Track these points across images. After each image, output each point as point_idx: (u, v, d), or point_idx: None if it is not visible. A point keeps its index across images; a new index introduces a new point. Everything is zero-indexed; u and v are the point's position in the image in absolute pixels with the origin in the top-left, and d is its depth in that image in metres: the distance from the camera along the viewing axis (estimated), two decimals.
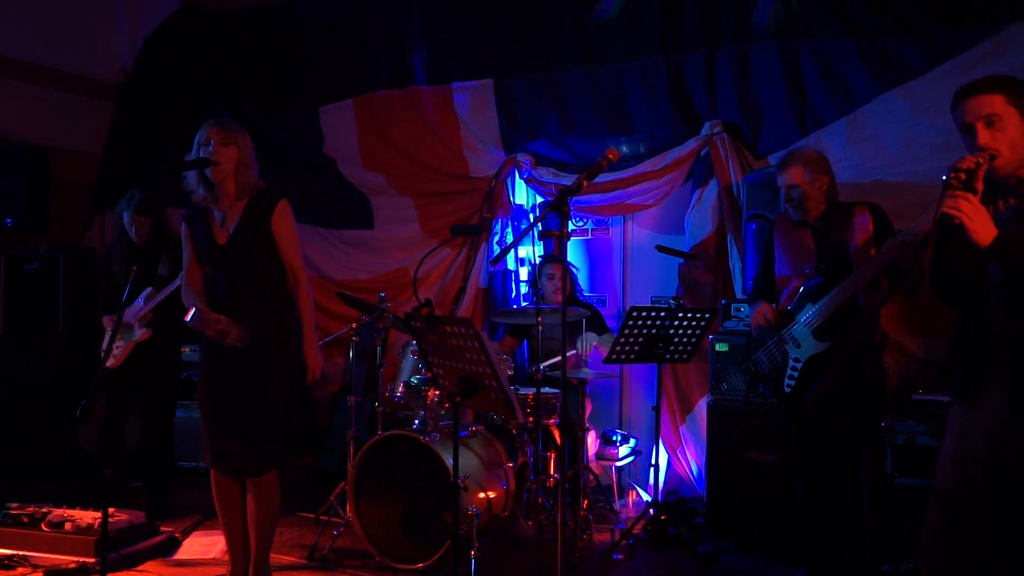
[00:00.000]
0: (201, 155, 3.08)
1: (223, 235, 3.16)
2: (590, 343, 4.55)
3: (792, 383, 3.33)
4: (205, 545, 4.04)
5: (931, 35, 4.10)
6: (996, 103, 2.20)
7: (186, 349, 5.03)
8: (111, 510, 3.90)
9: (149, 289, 4.32)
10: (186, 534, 4.17)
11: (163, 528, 4.11)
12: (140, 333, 4.37)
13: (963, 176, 2.12)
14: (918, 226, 2.64)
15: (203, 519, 4.39)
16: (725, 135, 4.75)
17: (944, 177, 2.14)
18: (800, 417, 3.39)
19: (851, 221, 3.31)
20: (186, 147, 3.20)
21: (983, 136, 2.21)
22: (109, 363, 4.30)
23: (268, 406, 3.14)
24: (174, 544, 4.02)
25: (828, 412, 3.23)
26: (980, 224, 2.10)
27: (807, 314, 3.31)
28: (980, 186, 2.16)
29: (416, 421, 4.06)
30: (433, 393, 4.01)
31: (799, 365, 3.31)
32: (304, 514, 4.54)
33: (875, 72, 4.29)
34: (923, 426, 3.54)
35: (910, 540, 3.40)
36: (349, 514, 3.88)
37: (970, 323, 2.31)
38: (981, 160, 2.15)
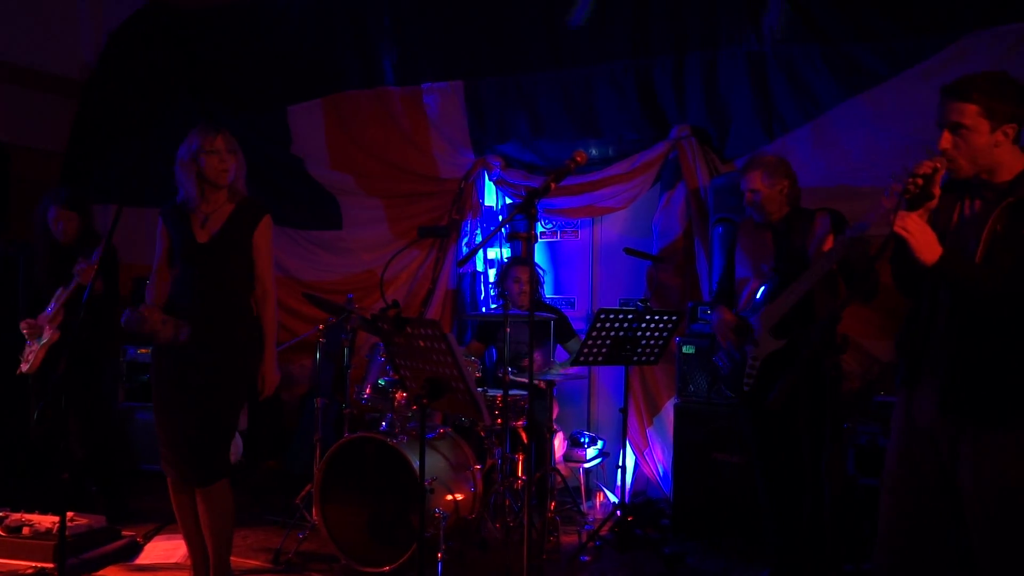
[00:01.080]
0: (200, 161, 3.08)
1: (204, 234, 3.14)
2: (558, 368, 4.56)
3: (750, 381, 3.37)
4: (167, 549, 3.98)
5: (894, 43, 4.17)
6: (968, 113, 2.21)
7: (147, 350, 4.95)
8: (71, 514, 3.84)
9: (60, 290, 4.21)
10: (148, 538, 4.09)
11: (124, 532, 4.04)
12: (48, 336, 4.19)
13: (920, 182, 2.17)
14: (866, 223, 2.69)
15: (165, 523, 4.31)
16: (693, 139, 4.79)
17: (903, 181, 2.18)
18: (759, 417, 3.43)
19: (812, 226, 3.37)
20: (151, 146, 3.17)
21: (944, 142, 2.24)
22: (24, 368, 4.21)
23: (219, 415, 3.09)
24: (135, 548, 3.96)
25: (788, 413, 3.27)
26: (925, 244, 2.17)
27: (763, 313, 3.35)
28: (937, 190, 2.20)
29: (383, 423, 4.04)
30: (401, 395, 3.98)
31: (756, 364, 3.36)
32: (269, 517, 4.49)
33: (840, 79, 4.35)
34: (884, 427, 3.60)
35: (872, 540, 3.45)
36: (315, 517, 3.84)
37: (920, 316, 2.35)
38: (938, 164, 2.20)
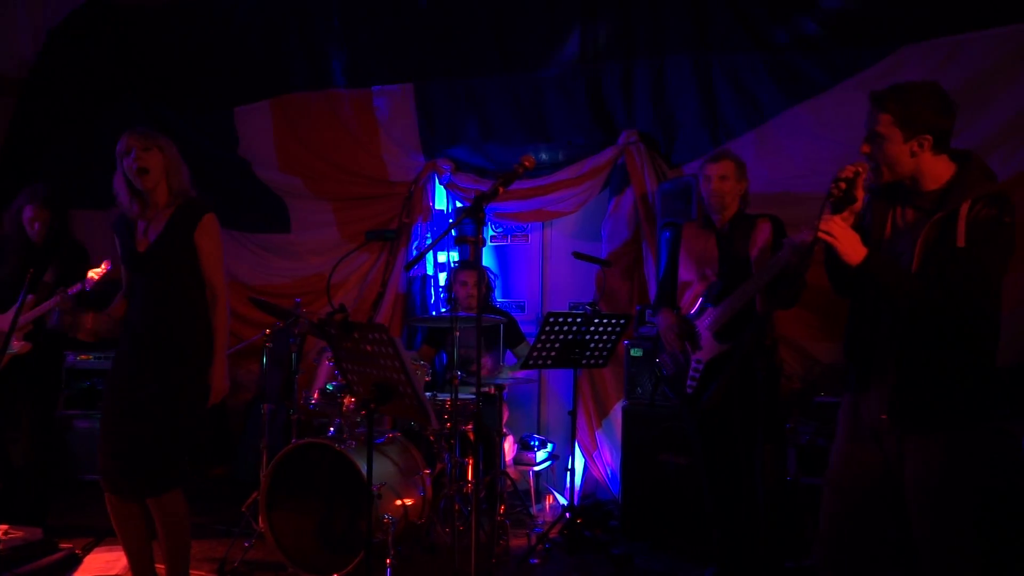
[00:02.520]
0: (123, 166, 3.00)
1: (144, 243, 3.07)
2: (507, 372, 4.58)
3: (693, 384, 3.44)
4: (108, 562, 3.88)
5: (833, 53, 4.29)
6: (883, 121, 2.30)
7: (88, 356, 4.83)
8: (5, 527, 3.73)
9: (27, 295, 4.06)
10: (87, 551, 3.99)
11: (62, 545, 3.93)
12: (18, 348, 4.04)
13: (843, 185, 2.25)
14: (805, 234, 2.78)
15: (104, 535, 4.20)
16: (641, 145, 4.86)
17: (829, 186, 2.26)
18: (700, 418, 3.50)
19: (753, 232, 3.45)
20: (92, 146, 3.10)
21: (864, 147, 2.35)
22: None
23: (172, 424, 3.01)
24: (74, 561, 3.85)
25: (727, 414, 3.34)
26: (848, 246, 2.25)
27: (708, 318, 3.42)
28: (860, 194, 2.28)
29: (331, 429, 4.00)
30: (349, 400, 3.96)
31: (700, 367, 3.42)
32: (215, 526, 4.41)
33: (782, 87, 4.46)
34: (825, 427, 3.69)
35: (813, 537, 3.53)
36: (261, 525, 3.79)
37: (865, 317, 2.42)
38: (860, 169, 2.29)
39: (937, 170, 2.32)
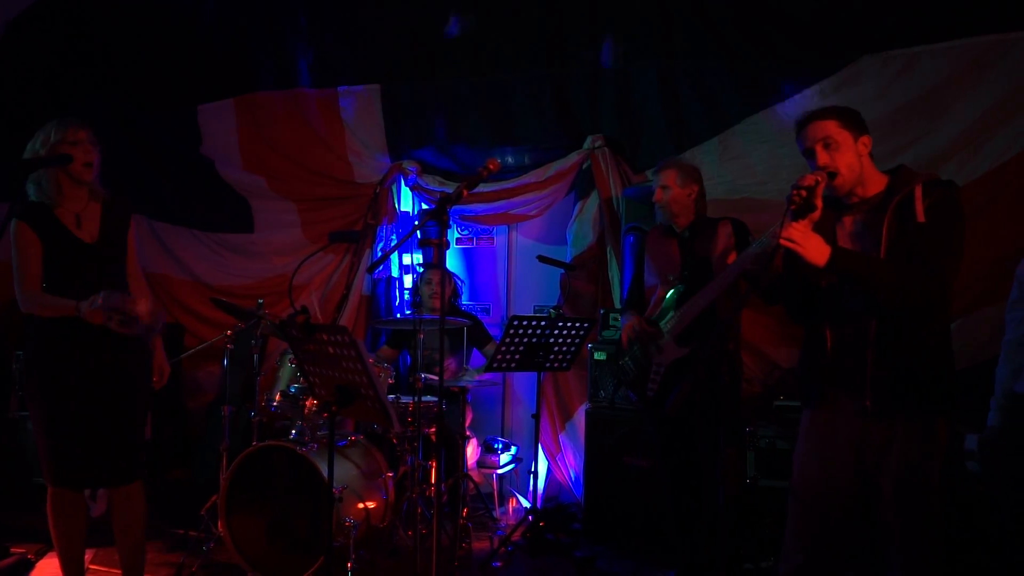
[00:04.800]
0: (65, 152, 2.95)
1: (86, 234, 3.04)
2: (471, 374, 4.58)
3: (654, 387, 3.47)
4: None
5: (794, 62, 4.35)
6: (830, 127, 2.42)
7: None
8: None
9: None
10: (39, 555, 3.90)
11: (13, 549, 3.84)
12: None
13: (804, 193, 2.29)
14: (768, 239, 2.83)
15: (47, 548, 4.12)
16: (606, 149, 4.89)
17: (788, 195, 2.31)
18: (662, 422, 3.53)
19: (715, 235, 3.50)
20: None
21: (822, 157, 2.42)
22: None
23: (135, 412, 3.11)
24: (26, 566, 3.77)
25: (689, 417, 3.38)
26: (812, 248, 2.30)
27: (670, 321, 3.45)
28: (819, 203, 2.33)
29: (293, 431, 3.96)
30: (311, 402, 3.93)
31: (661, 370, 3.46)
32: (173, 530, 4.34)
33: (745, 95, 4.52)
34: (784, 430, 3.75)
35: (771, 538, 3.58)
36: (220, 528, 3.74)
37: (823, 329, 2.47)
38: (820, 178, 2.34)
39: (876, 176, 2.48)
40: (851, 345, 2.42)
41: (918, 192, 2.35)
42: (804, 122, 2.48)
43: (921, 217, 2.32)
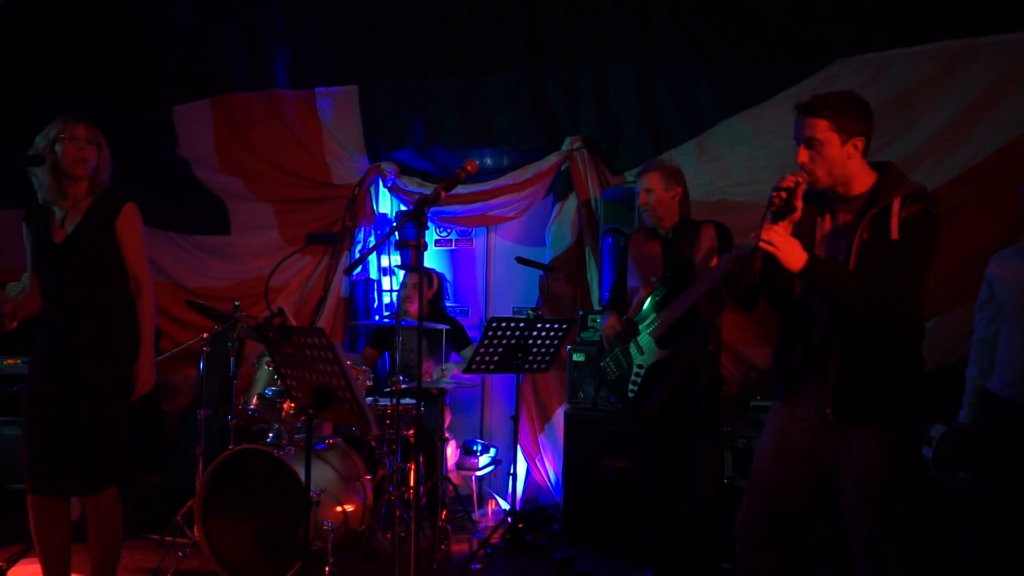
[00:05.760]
0: (58, 149, 2.95)
1: (61, 234, 3.00)
2: (450, 371, 4.57)
3: (635, 388, 3.48)
4: (34, 574, 3.74)
5: (770, 66, 4.40)
6: (819, 127, 2.37)
7: (15, 361, 4.66)
8: None
9: None
10: (11, 563, 3.83)
11: None
12: None
13: (784, 195, 2.30)
14: (750, 242, 2.85)
15: (31, 545, 4.06)
16: (585, 151, 4.90)
17: (768, 196, 2.31)
18: (643, 423, 3.55)
19: (698, 237, 3.52)
20: (24, 143, 3.02)
21: (802, 155, 2.41)
22: None
23: (105, 417, 2.96)
24: None
25: (669, 418, 3.39)
26: (789, 253, 2.30)
27: (652, 323, 3.47)
28: (799, 203, 2.34)
29: (270, 435, 3.93)
30: (288, 405, 3.90)
31: (642, 371, 3.47)
32: (149, 535, 4.29)
33: (722, 98, 4.55)
34: (760, 431, 3.76)
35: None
36: (196, 533, 3.70)
37: (795, 331, 2.49)
38: (800, 179, 2.35)
39: (864, 174, 2.43)
40: (817, 352, 2.44)
41: (895, 206, 2.32)
42: (799, 111, 2.42)
43: (895, 234, 2.30)
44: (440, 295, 5.03)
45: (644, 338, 3.49)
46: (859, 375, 2.36)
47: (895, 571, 2.36)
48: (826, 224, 2.49)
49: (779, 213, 2.36)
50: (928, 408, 3.58)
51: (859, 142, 2.39)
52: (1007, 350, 2.83)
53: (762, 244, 2.29)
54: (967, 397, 2.99)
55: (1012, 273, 2.85)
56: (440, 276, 5.12)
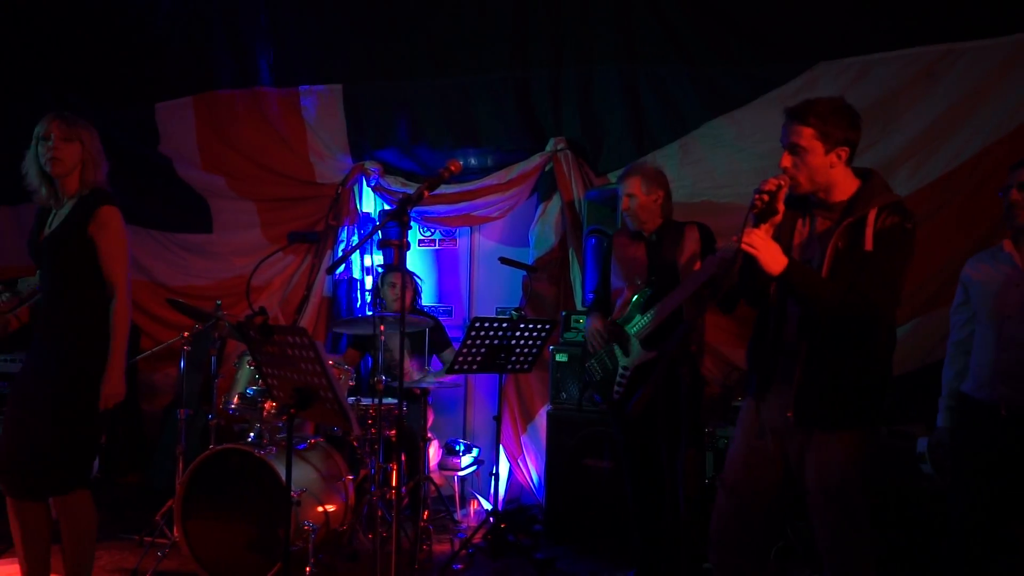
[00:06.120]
0: (40, 150, 2.93)
1: (47, 232, 2.99)
2: (433, 376, 4.57)
3: (620, 390, 3.49)
4: (9, 575, 3.70)
5: (752, 69, 4.42)
6: (804, 135, 2.39)
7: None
8: None
9: None
10: None
11: None
12: None
13: (766, 198, 2.32)
14: (732, 245, 2.87)
15: (7, 547, 4.02)
16: (569, 152, 4.91)
17: (751, 198, 2.33)
18: (626, 423, 3.56)
19: (682, 239, 3.53)
20: (5, 138, 3.01)
21: (785, 160, 2.43)
22: None
23: (69, 422, 2.88)
24: None
25: (652, 419, 3.41)
26: (769, 257, 2.32)
27: (636, 324, 3.48)
28: (781, 206, 2.36)
29: (252, 434, 3.92)
30: (270, 405, 3.88)
31: (627, 372, 3.48)
32: (127, 535, 4.25)
33: (704, 100, 4.57)
34: None
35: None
36: (176, 534, 3.68)
37: (767, 331, 2.52)
38: (782, 183, 2.37)
39: (846, 182, 2.45)
40: (787, 353, 2.46)
41: (871, 217, 2.34)
42: (787, 115, 2.43)
43: (869, 245, 2.32)
44: (415, 296, 5.03)
45: (631, 339, 3.50)
46: (824, 380, 2.39)
47: (858, 571, 2.39)
48: (806, 229, 2.51)
49: (761, 215, 2.38)
50: (908, 408, 3.65)
51: (843, 152, 2.40)
52: (980, 352, 2.87)
53: (744, 246, 2.31)
54: (944, 400, 3.03)
55: (987, 276, 2.89)
56: (414, 276, 5.11)
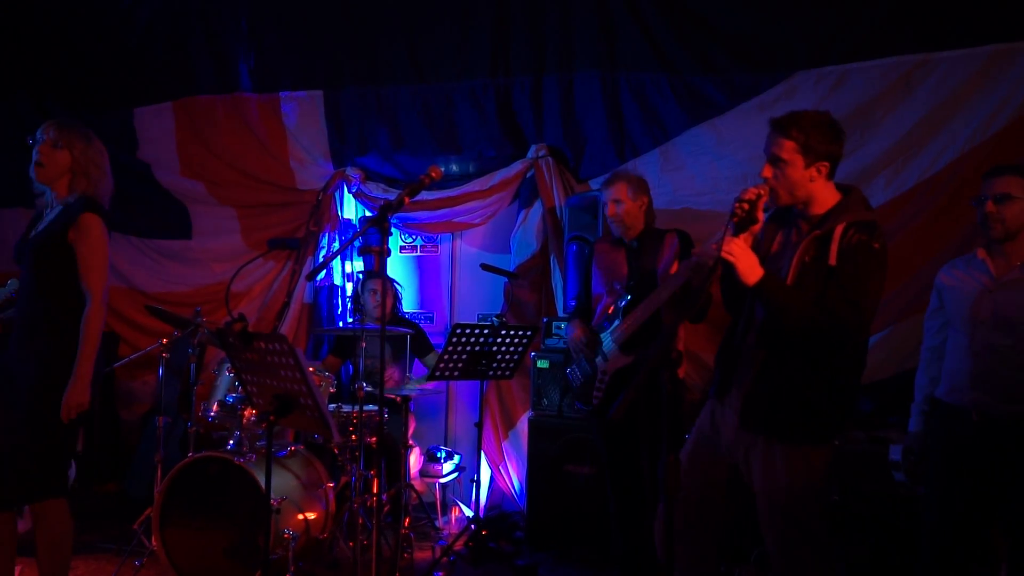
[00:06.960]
0: (34, 153, 2.95)
1: (30, 235, 3.00)
2: (417, 382, 4.56)
3: (599, 395, 3.50)
4: None
5: (732, 77, 4.46)
6: (785, 147, 2.41)
7: None
8: None
9: None
10: None
11: None
12: None
13: (746, 207, 2.35)
14: (708, 249, 2.89)
15: None
16: (550, 159, 4.92)
17: (731, 207, 2.36)
18: (607, 429, 3.57)
19: (661, 245, 3.55)
20: None
21: (766, 171, 2.45)
22: None
23: (43, 425, 2.84)
24: None
25: (633, 425, 3.42)
26: (747, 266, 2.35)
27: (615, 330, 3.49)
28: (761, 215, 2.39)
29: (231, 442, 3.88)
30: (249, 412, 3.86)
31: (606, 378, 3.49)
32: (104, 544, 4.21)
33: (685, 107, 4.60)
34: None
35: None
36: (154, 543, 3.64)
37: (736, 332, 2.54)
38: (762, 192, 2.39)
39: (826, 196, 2.46)
40: (747, 361, 2.49)
41: (837, 232, 2.35)
42: (771, 127, 2.44)
43: (833, 260, 2.32)
44: (395, 303, 5.02)
45: (608, 344, 3.52)
46: (774, 389, 2.41)
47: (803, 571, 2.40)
48: (779, 238, 2.54)
49: (741, 224, 2.40)
50: (884, 413, 3.68)
51: (823, 166, 2.41)
52: (954, 358, 2.90)
53: (724, 255, 2.33)
54: (917, 406, 3.06)
55: (961, 283, 2.92)
56: (394, 283, 5.10)
